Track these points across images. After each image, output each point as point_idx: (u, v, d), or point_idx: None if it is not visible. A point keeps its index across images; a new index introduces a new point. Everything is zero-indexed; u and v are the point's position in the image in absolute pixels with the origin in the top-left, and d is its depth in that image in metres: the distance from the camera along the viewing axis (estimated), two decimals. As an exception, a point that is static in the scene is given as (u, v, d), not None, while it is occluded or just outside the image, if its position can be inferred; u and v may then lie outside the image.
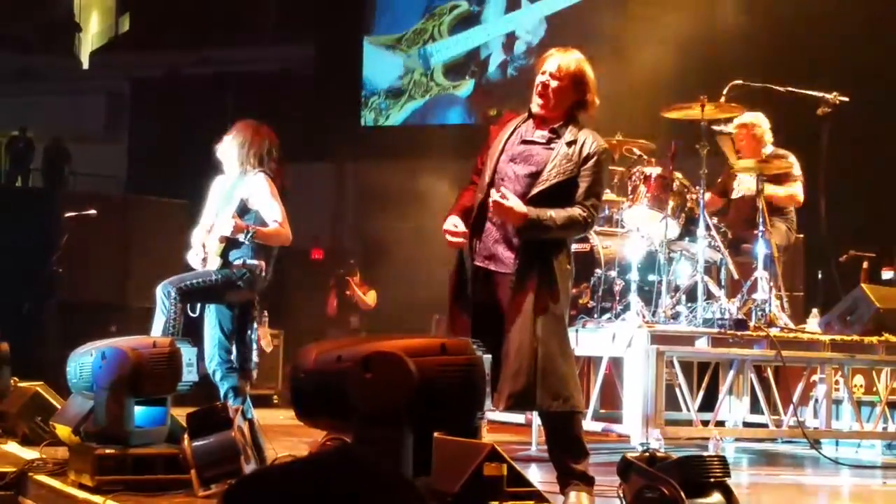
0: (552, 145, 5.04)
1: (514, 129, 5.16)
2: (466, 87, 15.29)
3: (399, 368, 3.54)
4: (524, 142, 5.11)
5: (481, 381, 3.66)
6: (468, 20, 15.37)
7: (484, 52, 15.24)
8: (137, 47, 17.80)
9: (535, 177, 4.99)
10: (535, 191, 4.95)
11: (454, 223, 5.05)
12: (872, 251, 9.39)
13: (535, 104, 5.12)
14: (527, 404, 4.92)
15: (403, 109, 15.59)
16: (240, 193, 6.22)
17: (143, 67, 17.30)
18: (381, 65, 15.68)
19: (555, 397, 4.85)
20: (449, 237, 5.04)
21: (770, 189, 8.04)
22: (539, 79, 5.11)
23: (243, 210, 6.22)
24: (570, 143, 5.01)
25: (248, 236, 6.14)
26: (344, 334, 13.10)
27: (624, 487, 4.23)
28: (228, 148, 6.41)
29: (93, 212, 9.82)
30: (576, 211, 4.94)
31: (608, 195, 8.29)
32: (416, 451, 3.58)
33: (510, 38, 15.05)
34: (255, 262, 6.25)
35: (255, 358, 6.41)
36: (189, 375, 5.34)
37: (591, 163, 4.99)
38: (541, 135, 5.09)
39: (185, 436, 4.95)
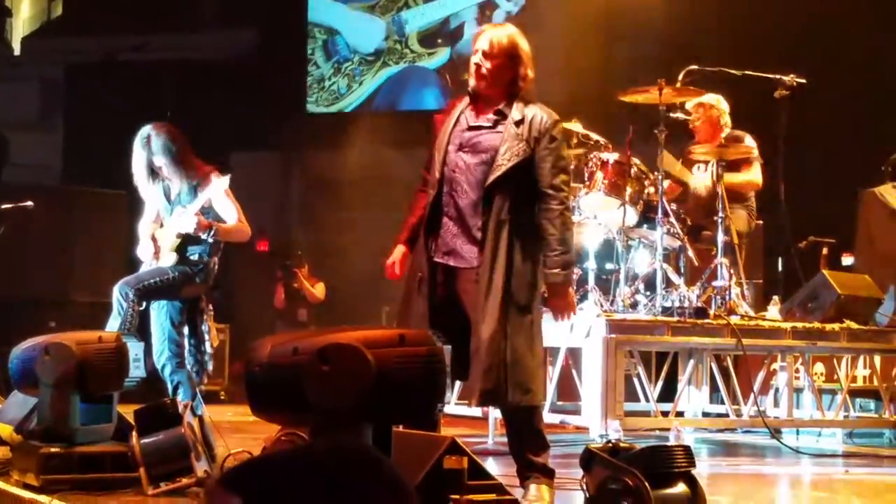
0: (499, 128, 5.02)
1: (459, 115, 5.13)
2: (442, 54, 15.27)
3: (357, 360, 3.54)
4: (470, 128, 5.08)
5: (441, 373, 3.67)
6: None
7: (455, 21, 15.23)
8: (72, 32, 17.59)
9: (488, 164, 4.97)
10: (491, 179, 4.93)
11: (397, 259, 5.14)
12: (832, 237, 9.51)
13: (472, 85, 5.10)
14: (498, 400, 4.94)
15: (378, 76, 15.54)
16: (203, 194, 6.24)
17: (77, 53, 17.10)
18: (361, 28, 15.64)
19: (524, 392, 4.89)
20: (388, 272, 5.13)
21: (728, 178, 8.12)
22: (473, 59, 5.08)
23: (202, 209, 6.26)
24: (518, 122, 4.99)
25: (212, 233, 6.20)
26: (292, 328, 13.08)
27: (587, 479, 4.26)
28: (163, 155, 6.37)
29: (29, 203, 9.74)
30: (554, 210, 4.93)
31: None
32: (375, 444, 3.59)
33: (489, 6, 15.03)
34: (210, 257, 6.33)
35: (209, 350, 6.42)
36: (136, 371, 5.32)
37: (545, 139, 4.97)
38: (486, 118, 5.07)
39: (133, 433, 4.94)
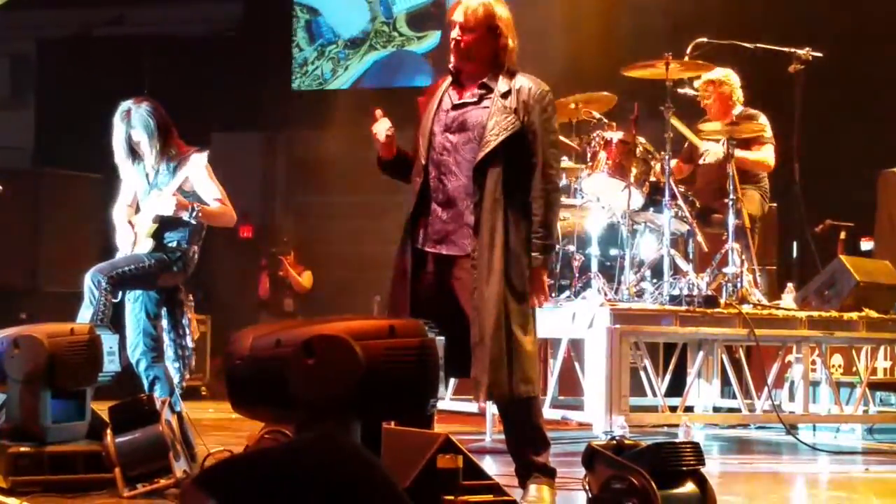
0: (485, 103, 4.98)
1: (442, 96, 5.09)
2: (432, 38, 15.23)
3: (344, 353, 3.52)
4: (455, 107, 5.04)
5: (434, 366, 3.65)
6: None
7: (448, 1, 15.19)
8: (44, 5, 17.52)
9: (476, 142, 4.93)
10: (480, 156, 4.89)
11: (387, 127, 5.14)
12: (850, 220, 9.48)
13: (452, 62, 5.07)
14: (506, 393, 4.92)
15: (364, 61, 15.50)
16: (181, 172, 6.19)
17: (50, 27, 17.05)
18: (345, 10, 15.60)
19: (526, 382, 4.88)
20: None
21: (739, 153, 8.09)
22: (451, 34, 5.04)
23: (181, 191, 6.21)
24: (505, 94, 4.95)
25: (194, 214, 6.14)
26: (278, 319, 13.06)
27: (589, 478, 4.25)
28: (142, 129, 6.33)
29: (-2, 187, 9.71)
30: (540, 189, 4.91)
31: (565, 163, 8.32)
32: (363, 441, 3.58)
33: None
34: (190, 245, 6.28)
35: (191, 343, 6.40)
36: (110, 365, 5.31)
37: (535, 110, 4.93)
38: (470, 94, 5.03)
39: (108, 431, 4.93)
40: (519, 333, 4.88)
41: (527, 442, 4.97)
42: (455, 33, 5.02)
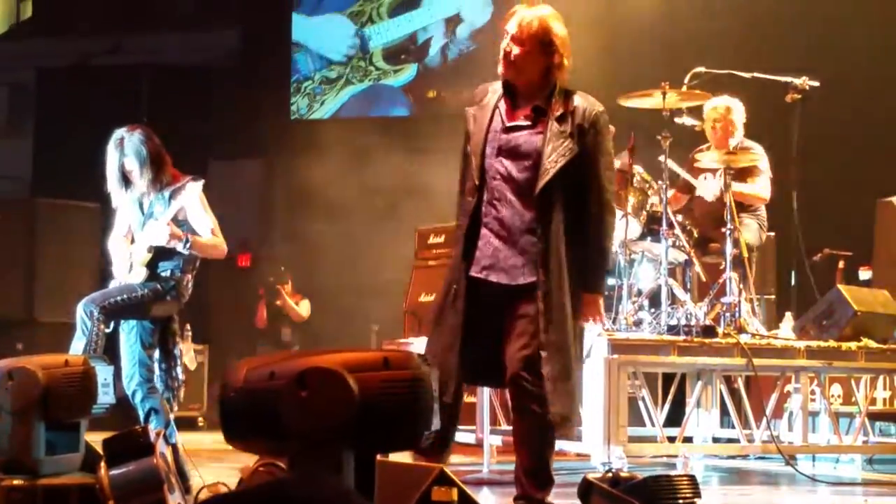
0: (539, 127, 4.93)
1: (493, 111, 5.01)
2: (408, 71, 15.29)
3: (338, 385, 3.52)
4: (507, 129, 4.98)
5: (428, 399, 3.65)
6: (408, 2, 15.39)
7: (423, 35, 15.25)
8: (42, 34, 17.60)
9: (533, 170, 4.89)
10: (540, 185, 4.86)
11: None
12: (849, 249, 9.48)
13: (501, 72, 5.02)
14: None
15: (340, 95, 15.55)
16: (176, 201, 6.19)
17: (49, 56, 17.11)
18: (328, 34, 15.69)
19: (563, 416, 4.91)
20: None
21: (735, 186, 8.09)
22: (502, 43, 4.99)
23: (175, 221, 6.22)
24: (560, 118, 4.91)
25: (187, 246, 6.15)
26: (275, 349, 13.05)
27: (585, 511, 4.24)
28: (135, 157, 6.33)
29: (-5, 217, 9.72)
30: (594, 215, 4.92)
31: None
32: (357, 474, 3.57)
33: (454, 21, 15.07)
34: (183, 274, 6.28)
35: (181, 375, 6.38)
36: (105, 397, 5.29)
37: (590, 134, 4.91)
38: (524, 117, 4.98)
39: (102, 463, 4.90)
40: (577, 367, 4.98)
41: (533, 476, 4.97)
42: (505, 43, 4.98)
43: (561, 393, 4.84)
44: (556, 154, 4.87)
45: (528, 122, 4.97)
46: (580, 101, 4.96)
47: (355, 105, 15.51)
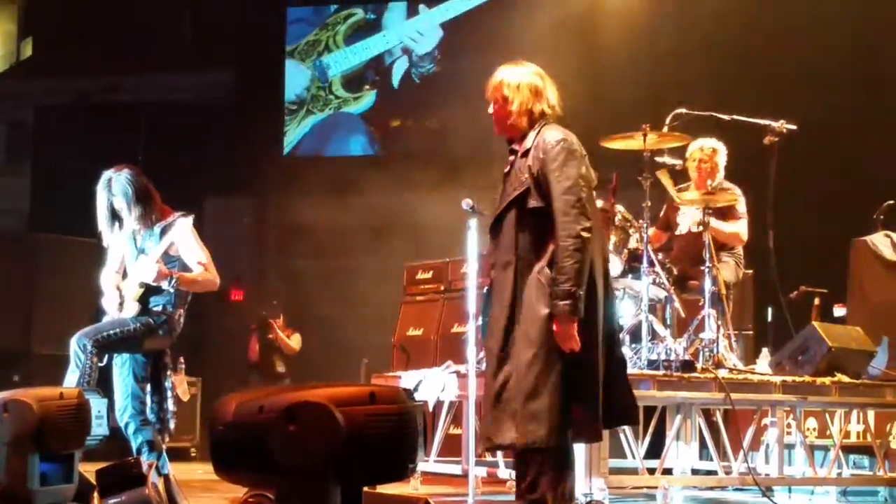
0: (516, 164, 5.18)
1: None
2: (368, 98, 15.32)
3: (325, 419, 3.53)
4: (504, 175, 5.26)
5: (414, 432, 3.66)
6: (365, 28, 15.42)
7: (387, 59, 15.31)
8: (42, 74, 17.64)
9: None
10: (493, 218, 5.17)
11: None
12: (824, 287, 9.52)
13: None
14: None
15: (302, 125, 15.58)
16: (167, 237, 6.21)
17: (47, 95, 17.16)
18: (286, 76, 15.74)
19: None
20: None
21: (714, 224, 8.13)
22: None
23: (166, 256, 6.23)
24: (525, 153, 5.13)
25: (173, 283, 6.16)
26: (267, 381, 13.03)
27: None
28: (122, 196, 6.36)
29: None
30: (558, 237, 4.99)
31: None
32: (344, 506, 3.57)
33: (410, 48, 15.13)
34: (175, 309, 6.28)
35: (172, 407, 6.38)
36: (99, 428, 5.29)
37: (548, 161, 5.04)
38: (509, 161, 5.24)
39: (95, 494, 4.90)
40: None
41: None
42: (489, 107, 5.27)
43: (524, 416, 4.90)
44: (511, 186, 5.12)
45: (508, 167, 5.24)
46: (545, 133, 5.13)
47: (315, 135, 15.54)
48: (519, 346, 5.00)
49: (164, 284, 6.20)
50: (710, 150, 8.46)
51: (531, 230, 5.06)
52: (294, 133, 15.57)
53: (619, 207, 7.95)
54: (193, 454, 12.01)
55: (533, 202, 5.05)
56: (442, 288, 10.64)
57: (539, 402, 4.95)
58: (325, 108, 15.50)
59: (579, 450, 7.14)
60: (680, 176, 8.61)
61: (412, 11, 15.24)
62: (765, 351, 8.47)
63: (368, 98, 15.31)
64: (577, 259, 4.99)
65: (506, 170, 5.26)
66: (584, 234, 5.02)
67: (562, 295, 4.97)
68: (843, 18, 11.47)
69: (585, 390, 5.02)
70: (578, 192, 5.04)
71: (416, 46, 15.05)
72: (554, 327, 4.99)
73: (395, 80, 15.20)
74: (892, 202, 8.94)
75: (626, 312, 8.05)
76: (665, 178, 8.15)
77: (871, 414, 8.24)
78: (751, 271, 9.04)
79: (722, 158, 8.51)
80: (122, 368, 6.28)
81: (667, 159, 8.42)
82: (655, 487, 7.33)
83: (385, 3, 15.52)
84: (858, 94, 11.53)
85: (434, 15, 14.99)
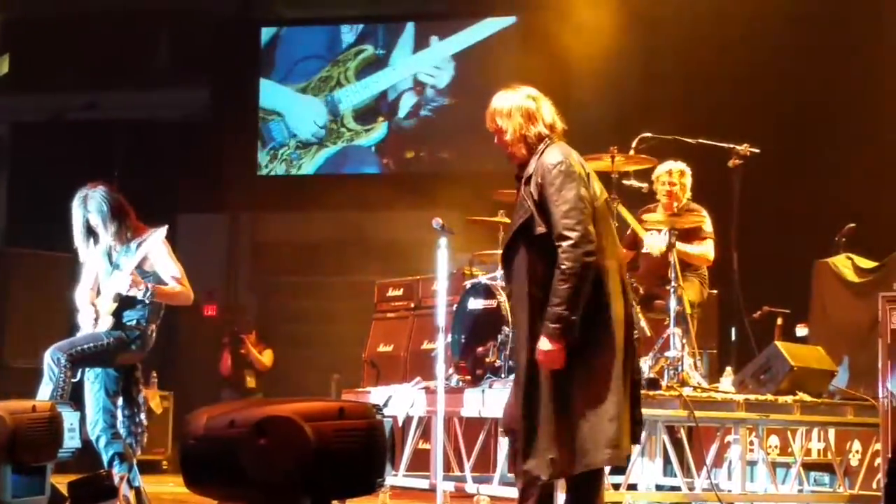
0: (522, 190, 5.12)
1: None
2: (380, 130, 15.34)
3: (295, 434, 3.53)
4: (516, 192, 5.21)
5: (381, 447, 3.66)
6: (375, 64, 15.47)
7: (392, 94, 15.33)
8: (18, 90, 17.55)
9: None
10: (503, 249, 5.13)
11: None
12: (786, 307, 9.56)
13: None
14: None
15: (316, 157, 15.59)
16: (141, 250, 6.20)
17: (24, 112, 17.08)
18: (302, 111, 15.74)
19: None
20: None
21: (681, 247, 8.16)
22: None
23: (140, 271, 6.22)
24: (527, 180, 5.06)
25: (146, 294, 6.14)
26: (239, 395, 12.99)
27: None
28: (97, 213, 6.36)
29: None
30: (558, 260, 4.91)
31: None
32: (312, 520, 3.57)
33: (422, 80, 15.17)
34: (148, 324, 6.27)
35: (144, 421, 6.36)
36: (71, 441, 5.27)
37: (544, 187, 4.98)
38: (518, 178, 5.19)
39: (66, 506, 4.88)
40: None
41: None
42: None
43: (528, 449, 4.93)
44: (516, 215, 5.05)
45: (516, 195, 5.20)
46: (543, 158, 5.06)
47: (330, 167, 15.54)
48: (517, 377, 5.03)
49: (139, 296, 6.18)
50: (677, 171, 8.51)
51: (542, 257, 4.97)
52: (307, 167, 15.56)
53: (587, 228, 7.95)
54: (165, 467, 11.95)
55: (539, 229, 4.97)
56: (412, 305, 10.63)
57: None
58: (337, 140, 15.52)
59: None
60: (648, 197, 8.65)
61: (420, 44, 15.29)
62: (728, 369, 8.49)
63: (380, 130, 15.33)
64: (572, 284, 4.89)
65: (517, 199, 5.21)
66: (586, 259, 4.92)
67: (552, 318, 4.91)
68: (808, 46, 11.56)
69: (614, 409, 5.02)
70: (578, 214, 4.94)
71: (430, 80, 15.10)
72: (539, 346, 4.94)
73: (405, 113, 15.25)
74: (853, 225, 8.99)
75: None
76: (625, 212, 8.18)
77: (831, 432, 8.28)
78: (715, 291, 9.08)
79: (688, 180, 8.57)
80: (94, 382, 6.26)
81: (633, 182, 8.46)
82: (620, 503, 7.33)
83: (374, 25, 15.56)
84: (820, 121, 11.62)
85: (446, 47, 15.07)
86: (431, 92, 15.06)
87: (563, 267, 4.92)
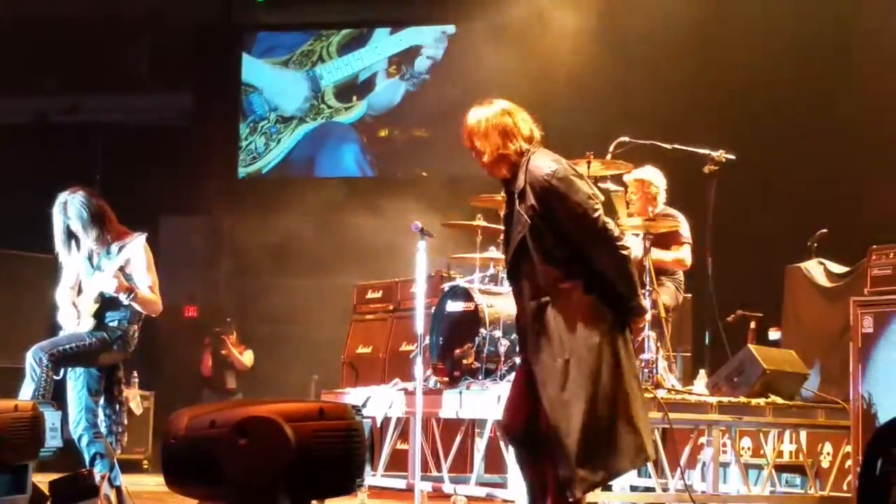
0: (516, 205, 5.02)
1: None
2: (359, 108, 15.33)
3: (275, 434, 3.53)
4: (504, 219, 5.21)
5: (361, 447, 3.67)
6: (358, 40, 15.45)
7: (366, 74, 15.31)
8: (2, 94, 17.50)
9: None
10: (508, 262, 5.06)
11: None
12: (760, 311, 9.60)
13: None
14: None
15: (295, 133, 15.56)
16: (123, 254, 6.20)
17: (5, 114, 17.03)
18: (283, 87, 15.71)
19: None
20: None
21: (657, 254, 8.19)
22: None
23: (123, 273, 6.22)
24: (521, 196, 4.96)
25: (130, 298, 6.15)
26: (219, 396, 12.98)
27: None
28: (77, 218, 6.35)
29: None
30: (597, 257, 4.91)
31: (493, 253, 8.41)
32: (292, 519, 3.57)
33: (412, 52, 15.14)
34: (130, 325, 6.27)
35: (125, 420, 6.35)
36: (53, 440, 5.25)
37: (543, 197, 4.89)
38: (506, 206, 5.14)
39: (48, 505, 4.87)
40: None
41: None
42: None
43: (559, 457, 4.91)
44: (516, 229, 4.98)
45: (508, 210, 5.11)
46: (533, 170, 4.95)
47: (307, 143, 15.53)
48: (577, 382, 4.86)
49: (123, 299, 6.18)
50: (638, 182, 8.54)
51: (552, 266, 4.91)
52: (287, 141, 15.55)
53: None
54: (146, 466, 11.92)
55: (544, 239, 4.92)
56: (391, 307, 10.64)
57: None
58: (317, 117, 15.50)
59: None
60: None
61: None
62: (702, 372, 8.53)
63: (359, 108, 15.32)
64: (629, 274, 4.96)
65: (504, 212, 5.17)
66: (623, 251, 4.97)
67: (637, 311, 5.01)
68: (785, 55, 11.60)
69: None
70: (595, 212, 4.92)
71: (424, 52, 15.07)
72: (635, 325, 5.07)
73: (383, 91, 15.21)
74: (825, 230, 9.04)
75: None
76: (619, 203, 8.22)
77: (803, 434, 8.31)
78: (689, 295, 9.11)
79: (655, 189, 8.57)
80: (77, 382, 6.25)
81: (610, 185, 8.48)
82: (595, 503, 7.35)
83: (355, 31, 15.56)
84: (794, 127, 11.67)
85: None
86: (421, 67, 15.04)
87: (612, 265, 4.90)
